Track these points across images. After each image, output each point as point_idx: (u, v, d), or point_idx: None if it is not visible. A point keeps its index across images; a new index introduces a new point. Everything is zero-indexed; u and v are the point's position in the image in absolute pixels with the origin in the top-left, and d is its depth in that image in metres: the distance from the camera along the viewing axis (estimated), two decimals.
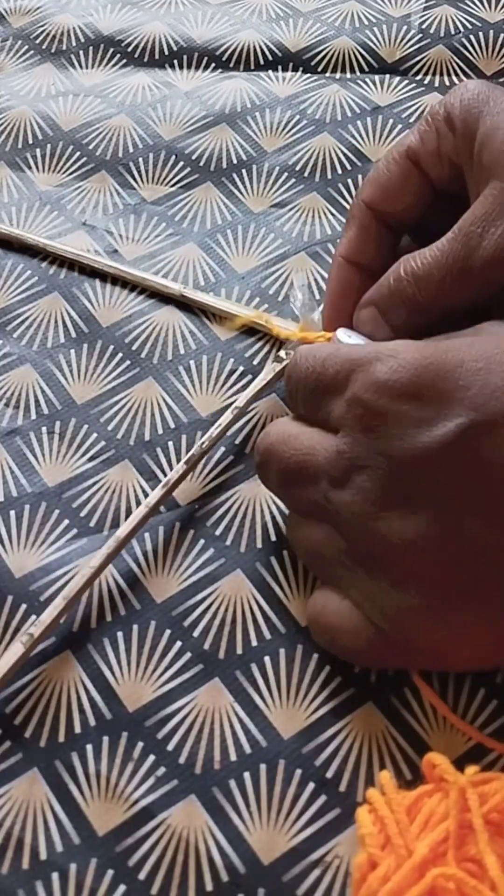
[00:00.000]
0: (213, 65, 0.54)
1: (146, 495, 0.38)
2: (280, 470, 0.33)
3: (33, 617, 0.35)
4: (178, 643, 0.35)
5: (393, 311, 0.37)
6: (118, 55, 0.55)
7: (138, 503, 0.38)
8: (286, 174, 0.49)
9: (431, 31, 0.55)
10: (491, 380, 0.29)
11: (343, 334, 0.38)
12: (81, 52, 0.55)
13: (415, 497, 0.30)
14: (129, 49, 0.55)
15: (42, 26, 0.56)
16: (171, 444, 0.40)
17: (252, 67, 0.54)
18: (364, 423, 0.30)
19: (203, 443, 0.38)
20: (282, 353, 0.41)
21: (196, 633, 0.35)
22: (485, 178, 0.36)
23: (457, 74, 0.53)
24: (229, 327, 0.43)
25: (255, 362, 0.42)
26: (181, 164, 0.49)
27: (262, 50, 0.54)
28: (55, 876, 0.31)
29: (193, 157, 0.50)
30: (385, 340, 0.36)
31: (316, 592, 0.34)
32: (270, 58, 0.54)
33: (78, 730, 0.33)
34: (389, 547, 0.30)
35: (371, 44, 0.54)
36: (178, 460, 0.39)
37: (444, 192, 0.39)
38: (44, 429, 0.40)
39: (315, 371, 0.33)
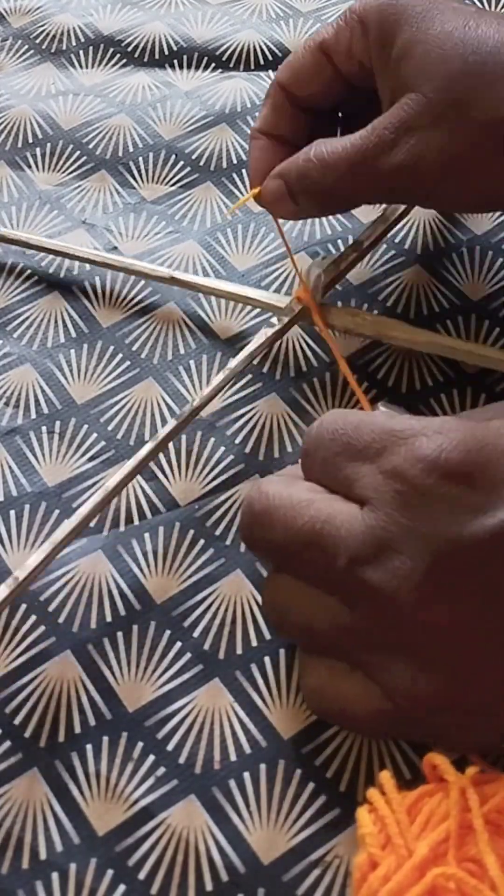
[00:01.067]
0: (213, 65, 0.54)
1: (146, 495, 0.38)
2: (288, 534, 0.30)
3: (33, 617, 0.35)
4: (178, 643, 0.35)
5: (298, 190, 0.38)
6: (118, 55, 0.55)
7: (138, 503, 0.38)
8: None
9: None
10: None
11: (383, 408, 0.38)
12: (81, 52, 0.55)
13: (459, 586, 0.27)
14: (129, 49, 0.55)
15: (42, 26, 0.56)
16: (171, 444, 0.40)
17: (252, 67, 0.54)
18: (405, 500, 0.28)
19: (194, 400, 0.38)
20: (274, 320, 0.42)
21: (196, 634, 0.35)
22: (401, 87, 0.36)
23: None
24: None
25: (254, 362, 0.42)
26: (181, 163, 0.49)
27: (262, 50, 0.54)
28: (55, 876, 0.31)
29: (193, 157, 0.50)
30: (288, 215, 0.40)
31: (309, 660, 0.31)
32: (270, 58, 0.54)
33: (78, 730, 0.33)
34: (422, 632, 0.28)
35: None
36: (178, 460, 0.39)
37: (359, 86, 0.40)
38: (44, 428, 0.40)
39: (345, 434, 0.30)
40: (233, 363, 0.39)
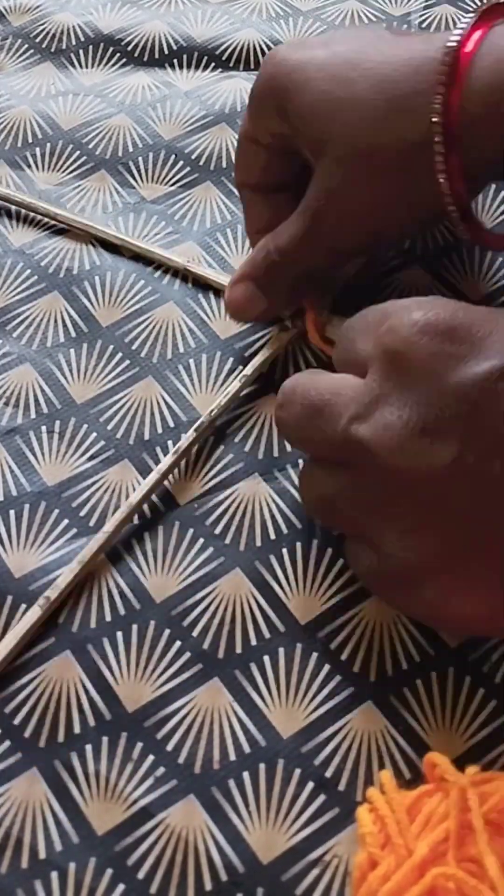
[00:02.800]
0: (212, 64, 0.54)
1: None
2: (303, 406, 0.33)
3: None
4: (178, 643, 0.35)
5: (270, 284, 0.40)
6: (118, 54, 0.55)
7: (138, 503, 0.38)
8: None
9: (431, 29, 0.55)
10: None
11: None
12: (81, 52, 0.55)
13: (442, 431, 0.29)
14: (129, 48, 0.55)
15: (42, 25, 0.56)
16: (170, 443, 0.40)
17: (252, 67, 0.54)
18: (396, 358, 0.30)
19: (212, 410, 0.39)
20: (287, 323, 0.42)
21: (195, 633, 0.35)
22: (315, 150, 0.38)
23: None
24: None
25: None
26: (181, 163, 0.49)
27: (262, 49, 0.54)
28: (54, 875, 0.31)
29: (193, 157, 0.50)
30: (262, 314, 0.41)
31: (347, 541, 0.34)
32: None
33: (77, 730, 0.33)
34: (409, 483, 0.30)
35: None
36: (178, 460, 0.39)
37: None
38: (43, 428, 0.40)
39: (351, 322, 0.34)
40: (248, 370, 0.41)
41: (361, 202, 0.38)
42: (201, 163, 0.49)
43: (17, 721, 0.33)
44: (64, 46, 0.55)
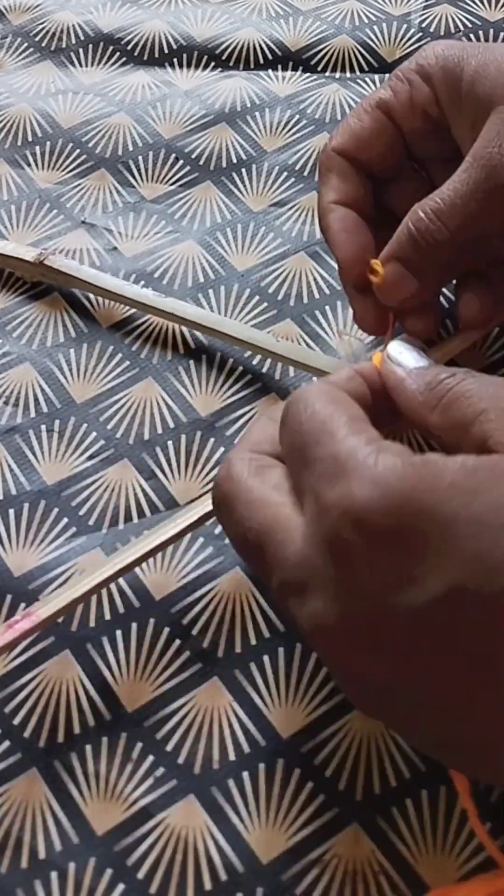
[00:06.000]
0: (212, 63, 0.54)
1: (145, 494, 0.38)
2: (238, 536, 0.29)
3: None
4: (177, 642, 0.35)
5: (423, 259, 0.35)
6: (118, 53, 0.55)
7: (137, 502, 0.38)
8: (286, 174, 0.49)
9: (431, 29, 0.55)
10: (486, 536, 0.25)
11: (395, 348, 0.34)
12: (81, 50, 0.55)
13: (371, 645, 0.26)
14: (129, 47, 0.55)
15: (42, 24, 0.56)
16: (170, 443, 0.40)
17: (252, 66, 0.54)
18: (330, 548, 0.26)
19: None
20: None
21: (195, 632, 0.35)
22: (482, 109, 0.36)
23: None
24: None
25: (254, 362, 0.42)
26: (181, 162, 0.49)
27: (261, 49, 0.54)
28: (54, 875, 0.31)
29: (193, 156, 0.50)
30: (414, 297, 0.36)
31: None
32: (270, 57, 0.54)
33: (77, 730, 0.33)
34: (334, 670, 0.29)
35: (371, 43, 0.54)
36: (178, 460, 0.39)
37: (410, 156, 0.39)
38: (43, 427, 0.40)
39: (303, 434, 0.28)
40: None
41: None
42: (201, 162, 0.49)
43: (16, 721, 0.33)
44: (64, 45, 0.55)
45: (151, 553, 0.34)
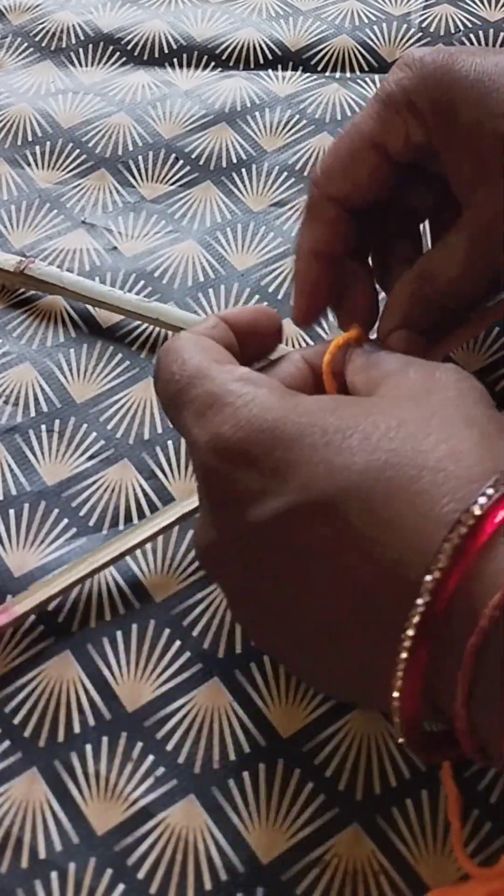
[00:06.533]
0: (212, 63, 0.54)
1: (146, 494, 0.38)
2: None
3: (32, 616, 0.35)
4: (178, 642, 0.35)
5: (428, 323, 0.36)
6: (118, 53, 0.55)
7: (137, 502, 0.38)
8: (286, 173, 0.49)
9: (431, 29, 0.55)
10: (331, 459, 0.27)
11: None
12: (81, 50, 0.55)
13: (232, 563, 0.29)
14: (129, 47, 0.55)
15: (42, 24, 0.56)
16: (170, 443, 0.40)
17: (252, 66, 0.54)
18: (200, 473, 0.30)
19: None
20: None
21: (195, 633, 0.35)
22: (483, 147, 0.34)
23: None
24: None
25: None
26: (181, 162, 0.49)
27: (261, 48, 0.54)
28: (54, 875, 0.31)
29: (193, 156, 0.50)
30: (419, 352, 0.35)
31: None
32: (270, 56, 0.54)
33: (77, 730, 0.33)
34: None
35: (371, 42, 0.54)
36: (178, 459, 0.39)
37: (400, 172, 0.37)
38: (43, 427, 0.40)
39: (174, 383, 0.31)
40: None
41: None
42: (201, 162, 0.49)
43: (16, 721, 0.33)
44: (64, 45, 0.55)
45: (129, 551, 0.36)
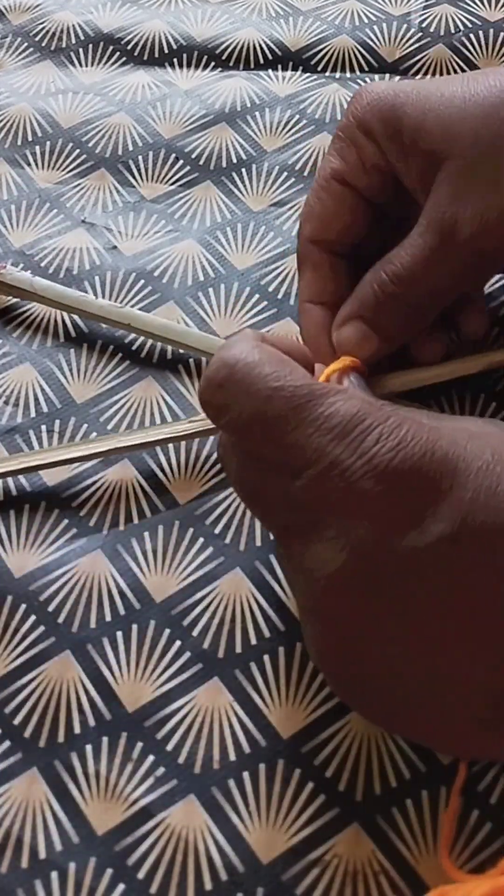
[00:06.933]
0: (212, 63, 0.54)
1: (146, 494, 0.38)
2: (237, 484, 0.31)
3: (33, 617, 0.35)
4: (178, 642, 0.35)
5: (385, 318, 0.37)
6: (118, 53, 0.55)
7: (138, 503, 0.38)
8: (286, 173, 0.49)
9: (431, 29, 0.55)
10: (492, 486, 0.26)
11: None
12: (81, 50, 0.55)
13: (370, 590, 0.27)
14: (129, 47, 0.55)
15: (42, 24, 0.56)
16: (170, 444, 0.40)
17: (252, 66, 0.54)
18: (338, 487, 0.27)
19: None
20: None
21: (195, 633, 0.35)
22: (430, 163, 0.36)
23: (457, 73, 0.53)
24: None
25: None
26: (181, 162, 0.49)
27: (261, 49, 0.54)
28: (54, 875, 0.31)
29: (193, 156, 0.50)
30: (373, 354, 0.37)
31: None
32: (270, 57, 0.54)
33: (77, 730, 0.33)
34: (326, 615, 0.28)
35: (371, 43, 0.54)
36: (178, 459, 0.39)
37: (379, 210, 0.39)
38: (43, 427, 0.40)
39: (292, 399, 0.29)
40: None
41: (495, 204, 0.34)
42: (201, 162, 0.49)
43: (17, 721, 0.33)
44: (64, 45, 0.55)
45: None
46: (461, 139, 0.35)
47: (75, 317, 0.44)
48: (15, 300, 0.44)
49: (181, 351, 0.42)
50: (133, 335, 0.43)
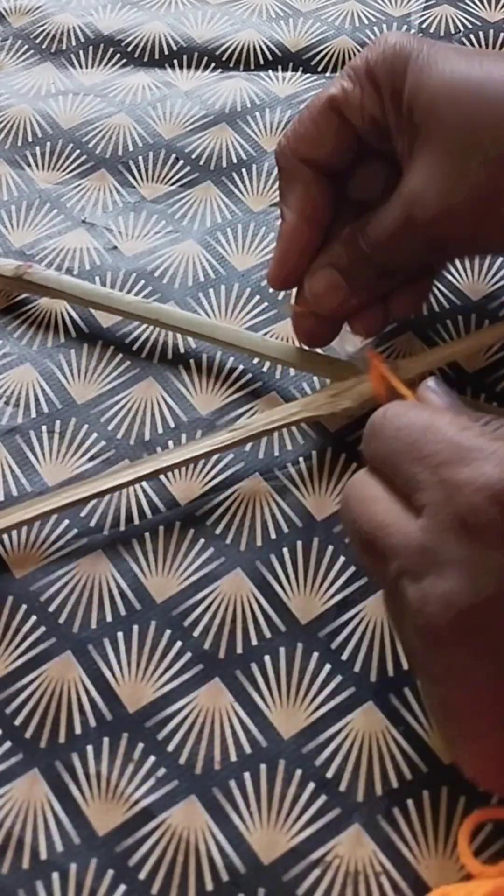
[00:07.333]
0: (212, 64, 0.54)
1: (146, 494, 0.38)
2: (353, 534, 0.30)
3: (34, 617, 0.35)
4: (179, 643, 0.35)
5: (356, 273, 0.38)
6: (118, 55, 0.55)
7: (138, 502, 0.38)
8: None
9: (431, 30, 0.55)
10: None
11: (431, 388, 0.35)
12: (81, 52, 0.55)
13: (491, 633, 0.26)
14: (129, 49, 0.55)
15: (42, 26, 0.56)
16: (171, 443, 0.40)
17: (252, 67, 0.54)
18: (462, 525, 0.27)
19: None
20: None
21: (196, 633, 0.35)
22: (416, 135, 0.36)
23: None
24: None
25: (254, 361, 0.42)
26: (181, 163, 0.49)
27: (261, 50, 0.54)
28: (55, 876, 0.31)
29: (193, 157, 0.50)
30: (342, 302, 0.38)
31: None
32: (270, 57, 0.54)
33: (78, 731, 0.33)
34: (435, 663, 0.27)
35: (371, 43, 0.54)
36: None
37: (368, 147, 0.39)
38: (44, 428, 0.40)
39: (411, 434, 0.29)
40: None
41: (471, 193, 0.35)
42: (201, 162, 0.49)
43: (18, 722, 0.33)
44: (64, 47, 0.55)
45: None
46: (444, 120, 0.35)
47: (76, 317, 0.44)
48: (15, 300, 0.44)
49: (208, 345, 0.42)
50: (133, 335, 0.43)
